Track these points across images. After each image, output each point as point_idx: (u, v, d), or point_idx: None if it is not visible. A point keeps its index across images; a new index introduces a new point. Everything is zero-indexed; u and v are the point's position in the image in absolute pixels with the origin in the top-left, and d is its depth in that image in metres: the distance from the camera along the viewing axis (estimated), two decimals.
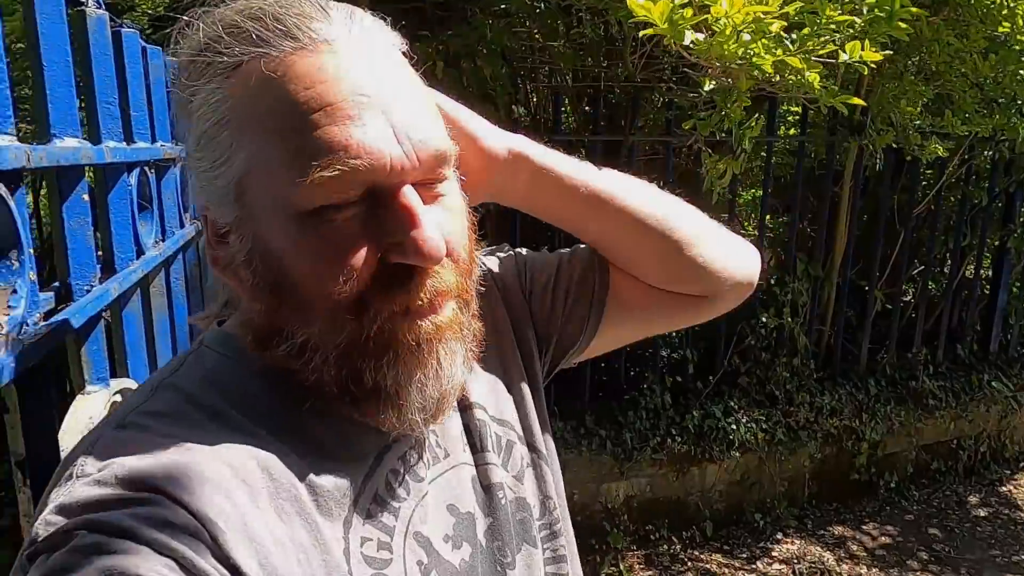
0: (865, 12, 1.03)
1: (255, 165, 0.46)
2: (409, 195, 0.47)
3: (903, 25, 1.01)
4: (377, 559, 0.49)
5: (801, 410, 3.28)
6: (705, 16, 1.06)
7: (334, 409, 0.51)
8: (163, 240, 1.14)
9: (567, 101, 3.43)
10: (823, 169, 3.41)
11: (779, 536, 3.14)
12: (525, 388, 0.68)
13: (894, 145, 2.93)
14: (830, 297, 3.53)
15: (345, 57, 0.46)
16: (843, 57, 0.99)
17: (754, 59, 0.94)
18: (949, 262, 3.83)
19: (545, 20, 2.58)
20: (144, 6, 2.84)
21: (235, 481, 0.45)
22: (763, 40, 0.95)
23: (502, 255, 0.74)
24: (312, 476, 0.49)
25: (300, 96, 0.44)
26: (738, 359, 3.32)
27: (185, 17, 0.49)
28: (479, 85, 2.48)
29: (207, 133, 0.48)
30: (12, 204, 0.57)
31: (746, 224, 4.44)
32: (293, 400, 0.51)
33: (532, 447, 0.66)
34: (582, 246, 0.74)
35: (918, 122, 2.73)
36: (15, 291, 0.57)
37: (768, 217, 4.08)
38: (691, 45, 0.96)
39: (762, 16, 0.92)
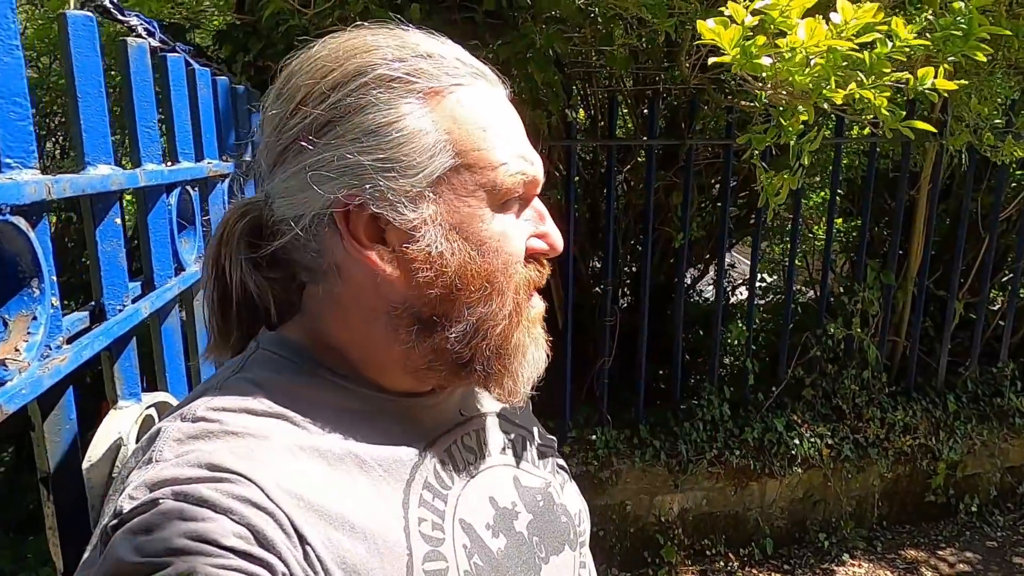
0: (939, 31, 0.96)
1: (463, 164, 0.54)
2: (540, 203, 0.61)
3: (981, 46, 0.93)
4: (433, 537, 0.54)
5: (871, 426, 3.11)
6: (777, 48, 1.02)
7: (394, 403, 0.59)
8: None
9: (624, 104, 3.37)
10: (898, 171, 3.22)
11: (845, 558, 2.99)
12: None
13: (976, 143, 2.73)
14: (905, 306, 3.33)
15: (501, 92, 0.59)
16: (914, 83, 0.92)
17: (824, 91, 0.90)
18: None
19: (598, 25, 2.54)
20: (215, 22, 2.97)
21: (302, 466, 0.50)
22: (833, 69, 0.90)
23: None
24: (369, 463, 0.54)
25: (496, 118, 0.56)
26: (802, 370, 3.18)
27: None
28: (531, 92, 2.46)
29: (401, 139, 0.53)
30: (32, 236, 0.60)
31: (815, 228, 4.24)
32: (352, 397, 0.57)
33: (565, 468, 0.75)
34: None
35: (997, 121, 2.54)
36: (35, 318, 0.60)
37: (839, 220, 3.89)
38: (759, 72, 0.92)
39: (838, 48, 0.87)
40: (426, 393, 0.61)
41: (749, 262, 3.23)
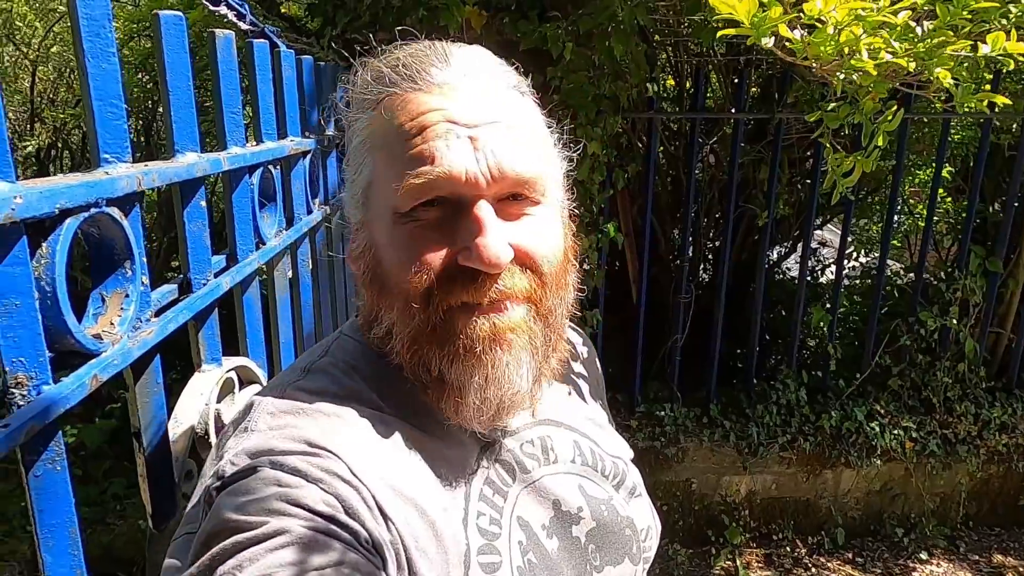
0: None
1: (375, 177, 0.58)
2: (482, 208, 0.54)
3: None
4: (489, 531, 0.57)
5: (962, 422, 2.94)
6: (796, 14, 0.96)
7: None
8: (287, 229, 1.28)
9: (714, 72, 3.25)
10: (1015, 150, 2.95)
11: (923, 555, 2.88)
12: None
13: None
14: (1013, 296, 3.09)
15: (450, 95, 0.55)
16: (983, 50, 0.85)
17: (852, 61, 0.84)
18: None
19: None
20: None
21: (380, 447, 0.54)
22: (868, 39, 0.83)
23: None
24: (436, 452, 0.57)
25: (407, 124, 0.55)
26: (889, 359, 3.03)
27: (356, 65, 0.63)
28: (612, 64, 2.42)
29: (353, 151, 0.60)
30: (126, 224, 0.67)
31: (919, 207, 3.97)
32: (419, 388, 0.59)
33: (638, 481, 0.74)
34: None
35: None
36: (127, 295, 0.69)
37: (949, 200, 3.62)
38: (786, 45, 0.88)
39: (863, 14, 0.81)
40: None
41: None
